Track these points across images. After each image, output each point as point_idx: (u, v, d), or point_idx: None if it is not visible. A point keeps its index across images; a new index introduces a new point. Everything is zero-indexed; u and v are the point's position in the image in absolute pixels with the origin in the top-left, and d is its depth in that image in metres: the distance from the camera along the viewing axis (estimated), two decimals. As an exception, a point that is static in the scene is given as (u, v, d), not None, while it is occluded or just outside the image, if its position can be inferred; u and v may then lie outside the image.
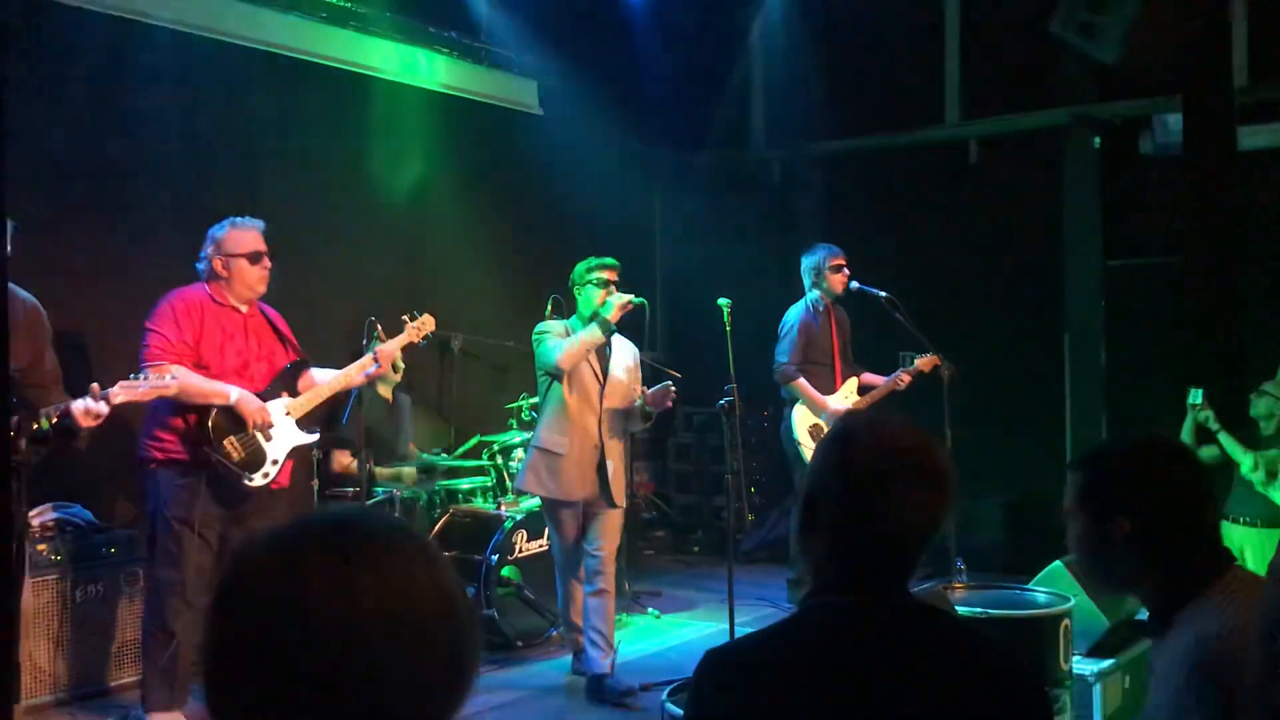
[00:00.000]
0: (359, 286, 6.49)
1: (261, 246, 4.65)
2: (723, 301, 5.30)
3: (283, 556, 1.06)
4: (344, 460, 6.03)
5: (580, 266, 5.25)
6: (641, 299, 5.11)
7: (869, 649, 1.59)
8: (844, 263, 6.50)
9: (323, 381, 4.84)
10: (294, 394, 4.75)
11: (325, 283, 6.36)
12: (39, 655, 4.67)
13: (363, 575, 1.04)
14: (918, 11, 8.20)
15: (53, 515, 4.96)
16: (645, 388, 5.29)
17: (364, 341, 5.03)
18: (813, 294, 6.53)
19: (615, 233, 7.25)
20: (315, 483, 5.23)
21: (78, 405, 3.83)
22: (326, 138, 6.57)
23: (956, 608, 3.59)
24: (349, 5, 6.68)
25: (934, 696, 1.56)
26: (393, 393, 6.41)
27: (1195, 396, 5.43)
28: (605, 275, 5.20)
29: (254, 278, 4.62)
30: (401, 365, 6.22)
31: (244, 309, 4.67)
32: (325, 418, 5.22)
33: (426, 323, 5.12)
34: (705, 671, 1.64)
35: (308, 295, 6.04)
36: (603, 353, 5.20)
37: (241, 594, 1.06)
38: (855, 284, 6.47)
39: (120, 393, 3.90)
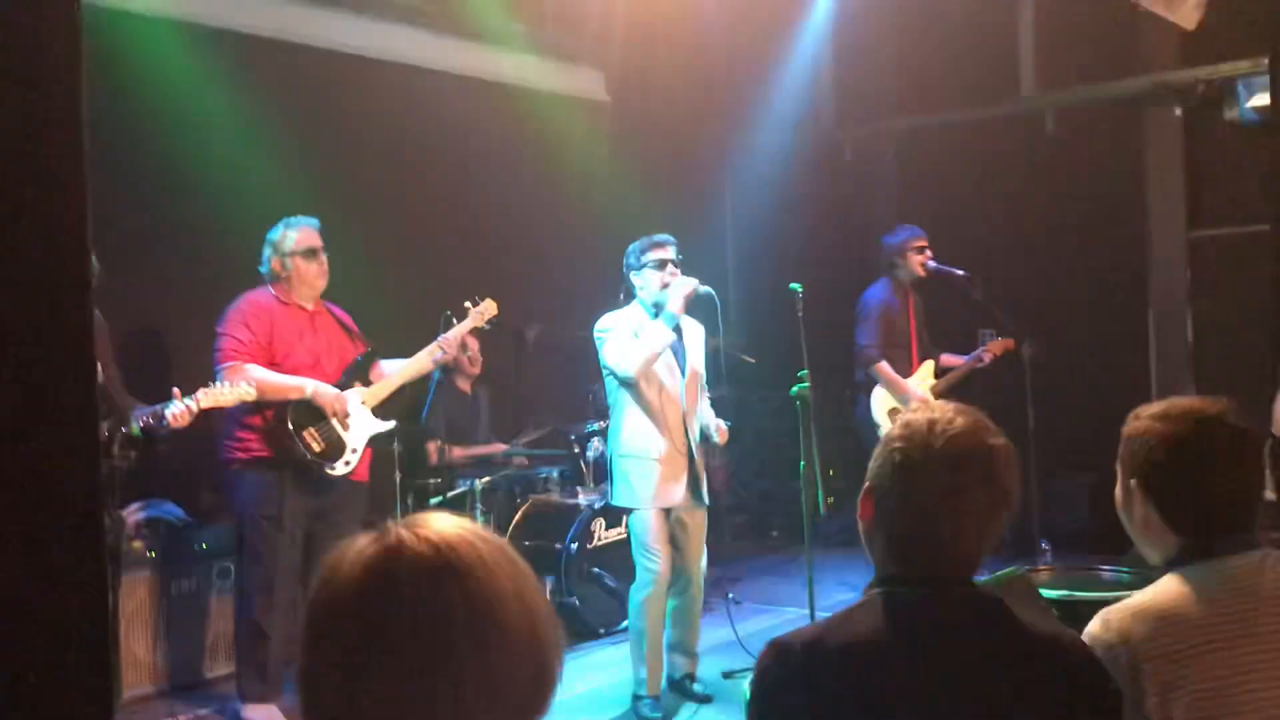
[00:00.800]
0: (433, 282, 6.56)
1: (316, 243, 4.73)
2: (795, 286, 5.02)
3: (377, 565, 1.09)
4: (456, 451, 6.16)
5: (633, 248, 4.79)
6: (708, 289, 4.69)
7: (931, 640, 1.59)
8: (926, 244, 6.40)
9: (393, 371, 4.91)
10: (366, 384, 4.83)
11: (401, 279, 6.43)
12: (138, 648, 4.83)
13: (454, 587, 1.07)
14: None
15: (145, 513, 5.11)
16: (722, 424, 4.95)
17: (439, 335, 5.08)
18: (892, 275, 6.45)
19: (685, 218, 7.23)
20: (399, 476, 5.31)
21: (171, 410, 4.05)
22: (396, 135, 6.64)
23: (1042, 591, 3.53)
24: (415, 2, 6.74)
25: (993, 687, 1.56)
26: (470, 386, 6.50)
27: None
28: (661, 255, 4.71)
29: (312, 274, 4.72)
30: (478, 358, 6.29)
31: (309, 306, 4.77)
32: (407, 412, 5.29)
33: (489, 308, 5.11)
34: (768, 662, 1.65)
35: (384, 292, 6.11)
36: (676, 343, 4.76)
37: (335, 600, 1.10)
38: (933, 263, 6.36)
39: (204, 398, 4.13)
